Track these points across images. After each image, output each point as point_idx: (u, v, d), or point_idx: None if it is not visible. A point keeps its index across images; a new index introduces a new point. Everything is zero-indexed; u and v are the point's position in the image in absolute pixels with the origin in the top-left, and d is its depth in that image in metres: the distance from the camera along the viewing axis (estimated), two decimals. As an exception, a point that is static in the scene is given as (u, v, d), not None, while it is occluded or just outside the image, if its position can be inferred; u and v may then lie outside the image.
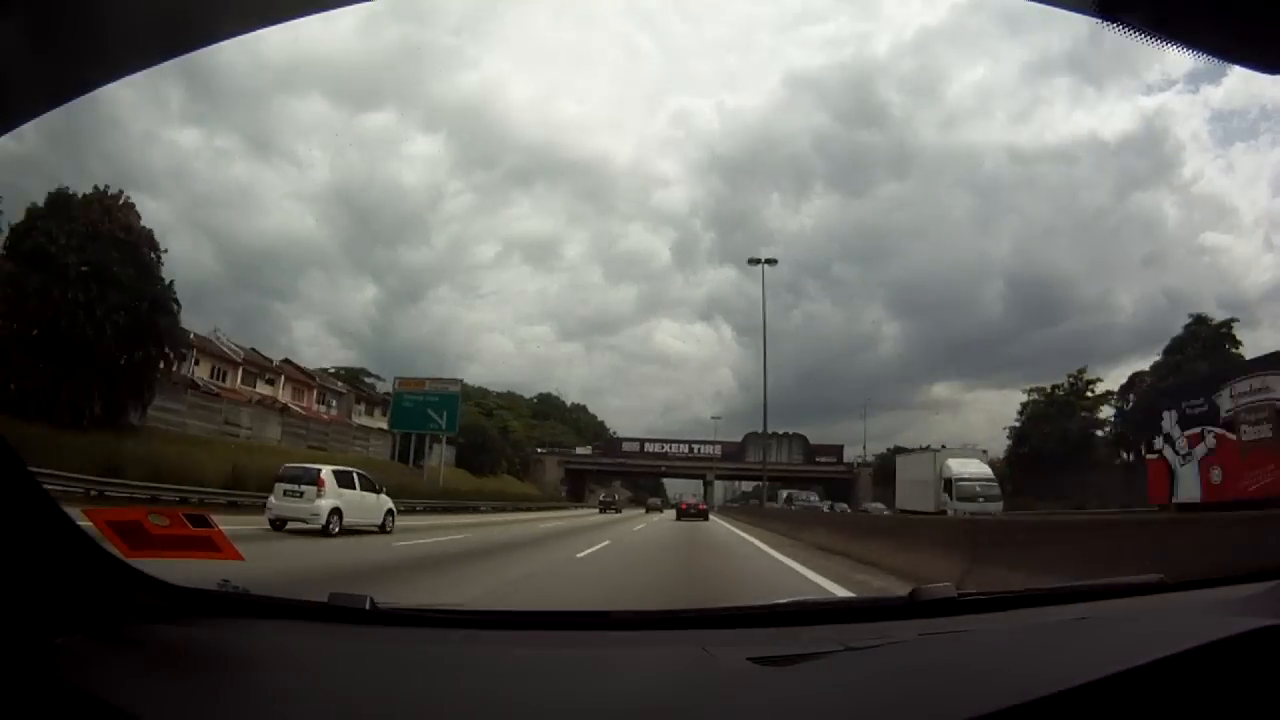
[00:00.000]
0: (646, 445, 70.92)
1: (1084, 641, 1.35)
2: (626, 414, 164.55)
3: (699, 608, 1.76)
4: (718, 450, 67.49)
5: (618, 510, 44.43)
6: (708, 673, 1.27)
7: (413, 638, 1.52)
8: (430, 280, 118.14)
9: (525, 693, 1.18)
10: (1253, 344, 39.29)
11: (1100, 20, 0.87)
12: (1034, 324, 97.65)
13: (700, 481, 65.48)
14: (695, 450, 68.71)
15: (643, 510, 47.84)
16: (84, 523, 1.30)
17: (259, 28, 1.20)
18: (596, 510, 44.03)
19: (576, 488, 69.01)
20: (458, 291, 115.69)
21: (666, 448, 69.75)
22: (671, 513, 40.33)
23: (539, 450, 68.89)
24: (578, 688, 1.21)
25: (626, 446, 72.04)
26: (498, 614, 1.91)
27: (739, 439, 65.13)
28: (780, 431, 62.41)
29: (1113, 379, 55.75)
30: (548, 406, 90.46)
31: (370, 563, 9.65)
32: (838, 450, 66.60)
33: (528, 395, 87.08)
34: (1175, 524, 8.44)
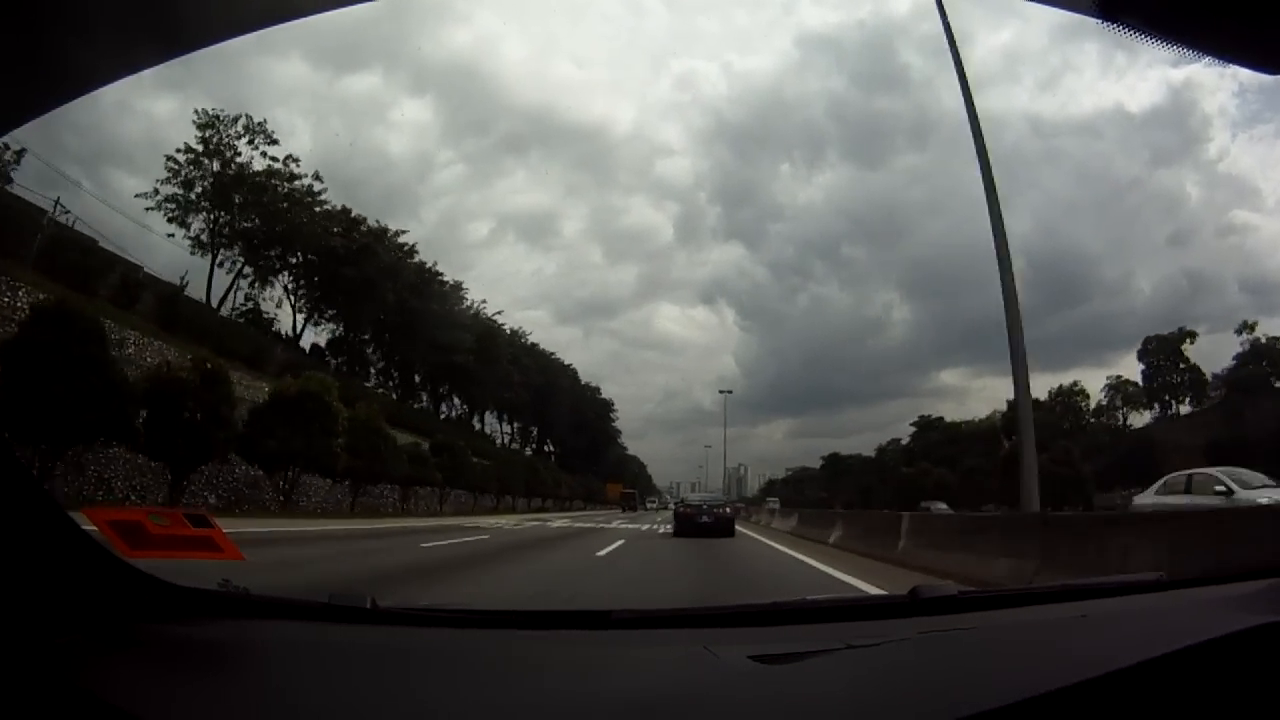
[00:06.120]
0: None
1: (1084, 639, 1.36)
2: (625, 401, 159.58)
3: (701, 606, 1.77)
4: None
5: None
6: (709, 671, 1.27)
7: (413, 637, 1.52)
8: (421, 258, 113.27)
9: (526, 692, 1.18)
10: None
11: (1100, 20, 0.87)
12: (1052, 306, 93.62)
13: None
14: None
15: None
16: (85, 524, 1.30)
17: (257, 28, 1.19)
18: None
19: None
20: (450, 270, 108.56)
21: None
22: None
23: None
24: (578, 687, 1.21)
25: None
26: (499, 613, 1.91)
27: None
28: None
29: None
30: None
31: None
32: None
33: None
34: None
